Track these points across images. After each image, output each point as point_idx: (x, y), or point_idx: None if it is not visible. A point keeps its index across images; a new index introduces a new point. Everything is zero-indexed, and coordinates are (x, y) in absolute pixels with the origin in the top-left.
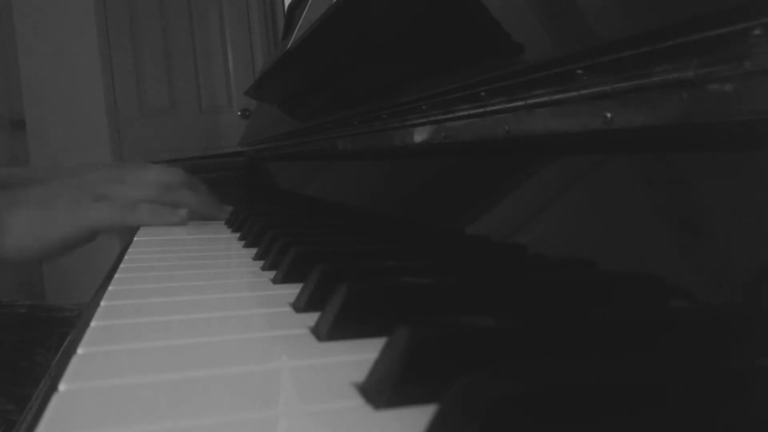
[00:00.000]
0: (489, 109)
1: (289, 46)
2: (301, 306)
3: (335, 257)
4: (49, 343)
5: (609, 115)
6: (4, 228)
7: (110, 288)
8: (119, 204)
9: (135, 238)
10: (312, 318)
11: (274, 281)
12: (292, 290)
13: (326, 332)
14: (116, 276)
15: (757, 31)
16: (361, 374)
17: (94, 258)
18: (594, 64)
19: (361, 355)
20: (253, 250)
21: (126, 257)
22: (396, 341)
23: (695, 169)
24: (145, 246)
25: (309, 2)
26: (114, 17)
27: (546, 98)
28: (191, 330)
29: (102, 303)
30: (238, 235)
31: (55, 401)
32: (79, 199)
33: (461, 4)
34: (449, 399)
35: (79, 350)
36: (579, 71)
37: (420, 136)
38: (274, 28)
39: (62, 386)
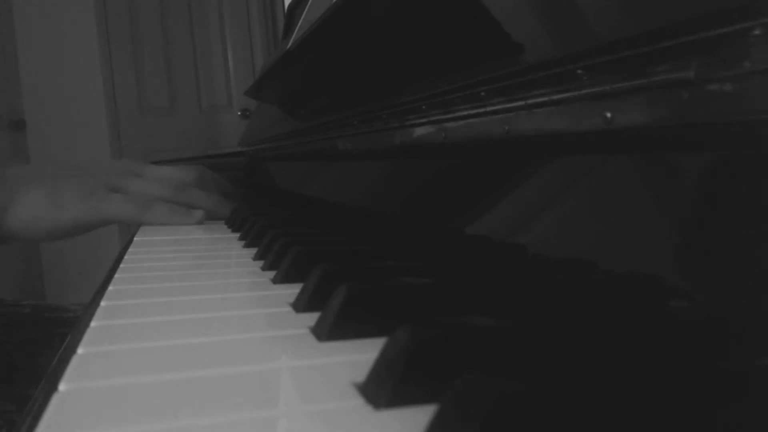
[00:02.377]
0: (489, 109)
1: (289, 46)
2: (301, 306)
3: (335, 257)
4: (51, 343)
5: (609, 115)
6: (17, 200)
7: (110, 288)
8: (135, 199)
9: (135, 238)
10: (312, 318)
11: (274, 281)
12: (292, 290)
13: (326, 332)
14: (116, 276)
15: (757, 31)
16: (361, 374)
17: (94, 258)
18: (594, 64)
19: (361, 355)
20: (253, 250)
21: (126, 257)
22: (396, 341)
23: (695, 169)
24: (145, 246)
25: (309, 2)
26: (114, 17)
27: (546, 98)
28: (191, 330)
29: (102, 303)
30: (238, 235)
31: (55, 401)
32: (95, 188)
33: (461, 4)
34: (449, 399)
35: (79, 350)
36: (579, 71)
37: (420, 136)
38: (274, 28)
39: (62, 386)
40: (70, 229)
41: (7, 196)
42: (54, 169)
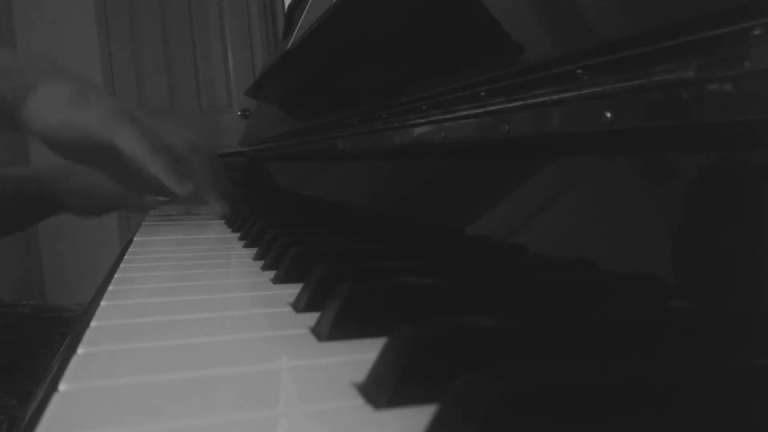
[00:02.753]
0: (489, 109)
1: (289, 46)
2: (301, 306)
3: (335, 257)
4: (51, 343)
5: (609, 115)
6: (40, 89)
7: (110, 288)
8: (148, 138)
9: (135, 238)
10: (312, 318)
11: (274, 281)
12: (292, 290)
13: (326, 332)
14: (116, 276)
15: (757, 31)
16: (361, 374)
17: (94, 258)
18: (594, 64)
19: (361, 355)
20: (253, 250)
21: (126, 257)
22: (396, 341)
23: (695, 169)
24: (145, 246)
25: (309, 2)
26: (114, 17)
27: (546, 98)
28: (191, 330)
29: (102, 303)
30: (238, 235)
31: (55, 401)
32: (120, 111)
33: (461, 4)
34: (449, 399)
35: (80, 350)
36: (579, 71)
37: (420, 136)
38: (274, 28)
39: (62, 386)
40: (80, 135)
41: (29, 83)
42: (87, 84)
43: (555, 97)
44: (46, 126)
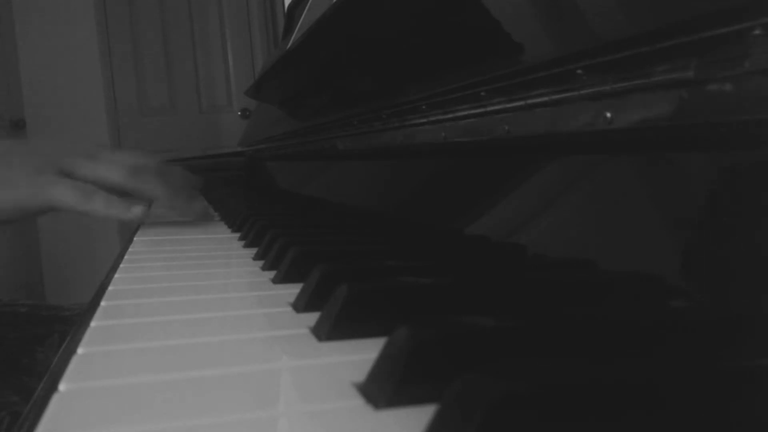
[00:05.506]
0: (489, 109)
1: (289, 46)
2: (301, 306)
3: (335, 257)
4: (49, 341)
5: (609, 115)
6: None
7: (110, 288)
8: (79, 186)
9: (135, 238)
10: (312, 318)
11: (274, 281)
12: (292, 290)
13: (326, 332)
14: (116, 276)
15: (757, 31)
16: (361, 374)
17: (94, 258)
18: (594, 64)
19: (361, 355)
20: (253, 250)
21: (126, 257)
22: (396, 341)
23: (695, 169)
24: (145, 246)
25: (309, 2)
26: (114, 17)
27: (546, 98)
28: (191, 330)
29: (102, 303)
30: (238, 235)
31: (55, 401)
32: (43, 170)
33: (461, 4)
34: (448, 399)
35: (80, 350)
36: (579, 71)
37: (420, 136)
38: (274, 28)
39: (62, 386)
40: (10, 210)
41: None
42: (5, 148)
43: (555, 97)
44: None
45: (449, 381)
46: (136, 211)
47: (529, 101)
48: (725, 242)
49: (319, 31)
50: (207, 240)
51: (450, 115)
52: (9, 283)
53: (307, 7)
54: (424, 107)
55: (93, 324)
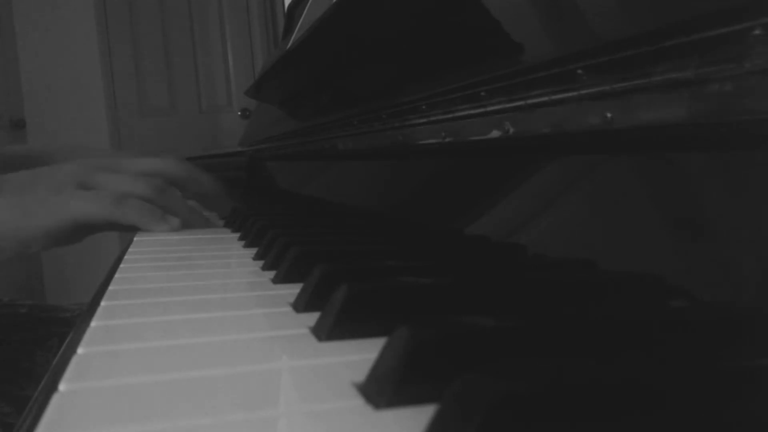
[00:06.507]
0: (489, 109)
1: (289, 46)
2: (301, 306)
3: (335, 257)
4: (49, 343)
5: (609, 115)
6: None
7: (110, 288)
8: (107, 195)
9: (135, 238)
10: (312, 318)
11: (274, 281)
12: (292, 290)
13: (326, 332)
14: (116, 276)
15: (757, 31)
16: (361, 374)
17: (94, 258)
18: (594, 64)
19: (361, 355)
20: (253, 250)
21: (126, 257)
22: (396, 341)
23: (695, 169)
24: (145, 246)
25: (309, 2)
26: (114, 17)
27: (546, 98)
28: (191, 330)
29: (102, 303)
30: (238, 235)
31: (55, 401)
32: (62, 187)
33: (461, 4)
34: (448, 399)
35: (79, 350)
36: (579, 71)
37: (420, 136)
38: (274, 28)
39: (62, 386)
40: (41, 238)
41: None
42: (20, 176)
43: (555, 97)
44: (5, 249)
45: (449, 381)
46: (174, 223)
47: (530, 101)
48: (725, 242)
49: (319, 31)
50: (207, 240)
51: (450, 115)
52: (9, 283)
53: (307, 7)
54: (424, 107)
55: (93, 324)
